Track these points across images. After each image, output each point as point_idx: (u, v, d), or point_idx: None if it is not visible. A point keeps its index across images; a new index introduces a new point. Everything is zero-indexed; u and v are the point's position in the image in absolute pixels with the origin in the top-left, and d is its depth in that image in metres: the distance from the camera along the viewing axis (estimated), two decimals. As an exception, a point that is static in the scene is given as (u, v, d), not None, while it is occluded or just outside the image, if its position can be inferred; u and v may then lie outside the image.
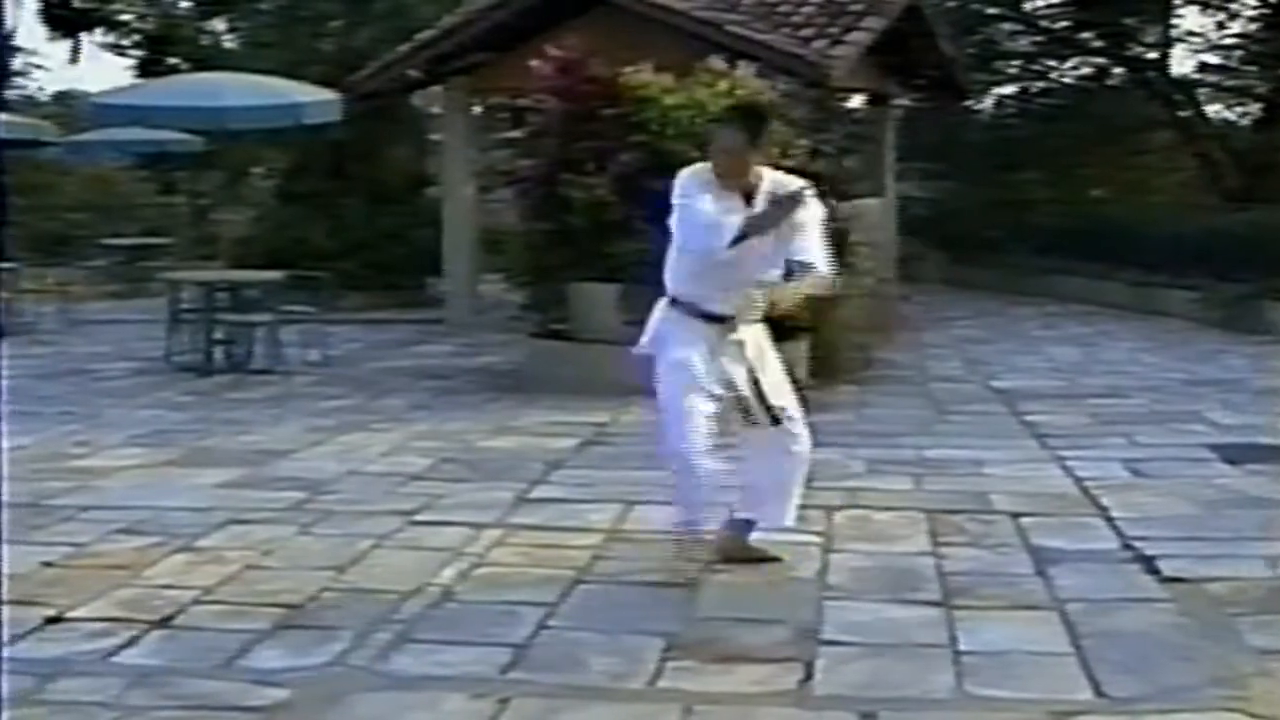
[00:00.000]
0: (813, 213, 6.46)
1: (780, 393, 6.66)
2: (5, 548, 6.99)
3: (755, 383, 6.54)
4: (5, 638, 5.64)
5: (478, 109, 19.83)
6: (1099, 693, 5.12)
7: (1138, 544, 7.08)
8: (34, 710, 5.01)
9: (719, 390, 6.46)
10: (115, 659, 5.56)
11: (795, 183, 6.48)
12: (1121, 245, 21.16)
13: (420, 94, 20.87)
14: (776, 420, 6.62)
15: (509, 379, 12.71)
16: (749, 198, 6.41)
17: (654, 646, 5.58)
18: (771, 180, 6.49)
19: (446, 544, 7.13)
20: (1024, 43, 28.40)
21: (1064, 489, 8.47)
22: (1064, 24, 27.52)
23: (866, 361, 13.56)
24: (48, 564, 6.91)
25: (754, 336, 6.64)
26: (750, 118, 6.64)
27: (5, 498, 7.32)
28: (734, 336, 6.53)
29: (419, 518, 7.73)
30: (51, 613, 6.07)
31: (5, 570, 6.29)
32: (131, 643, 5.72)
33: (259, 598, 6.27)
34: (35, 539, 7.37)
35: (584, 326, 12.53)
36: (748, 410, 6.59)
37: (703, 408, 6.41)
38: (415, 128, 23.34)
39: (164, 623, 5.96)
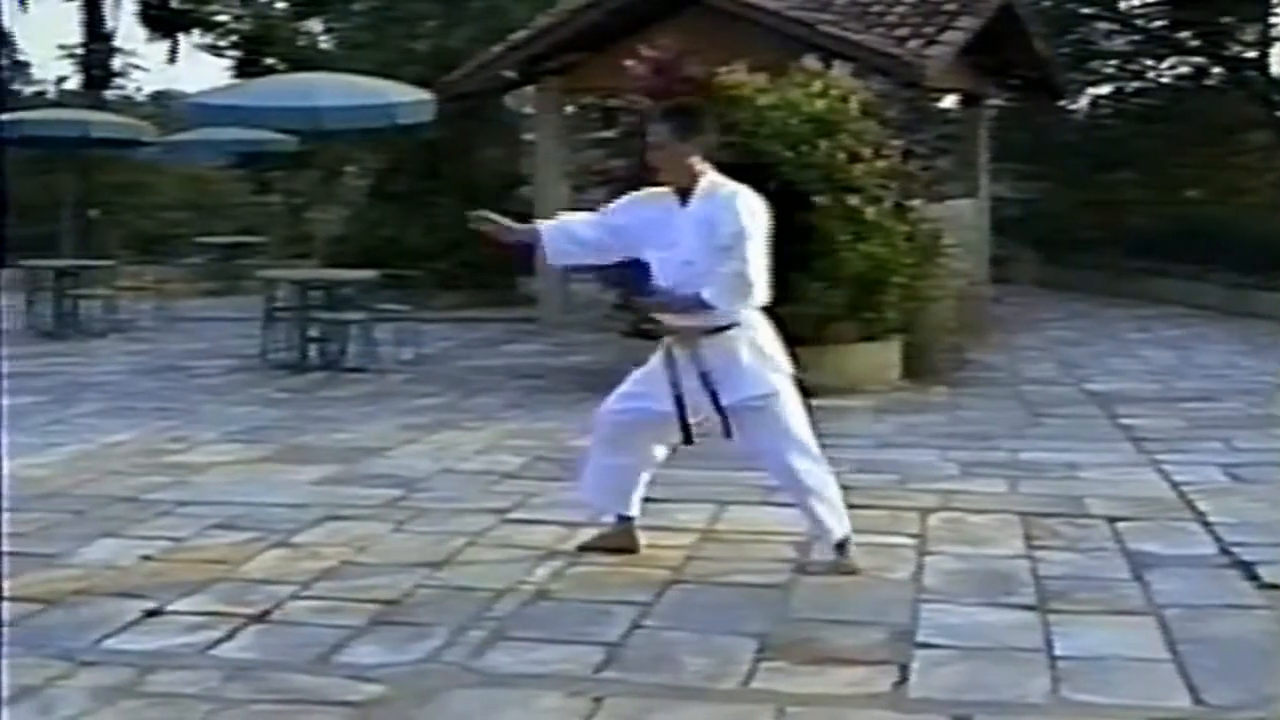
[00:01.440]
0: (755, 223, 6.40)
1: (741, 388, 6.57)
2: (110, 540, 7.14)
3: (713, 396, 6.53)
4: (100, 631, 5.72)
5: (570, 109, 19.88)
6: (1197, 700, 5.05)
7: (1235, 549, 6.99)
8: (134, 702, 5.07)
9: (658, 407, 6.62)
10: (213, 652, 5.61)
11: (734, 186, 6.47)
12: (1217, 247, 20.91)
13: (513, 94, 20.96)
14: (689, 439, 6.68)
15: (600, 378, 12.60)
16: (685, 197, 6.44)
17: (747, 647, 5.57)
18: (711, 182, 6.47)
19: (539, 543, 7.15)
20: (1120, 42, 28.07)
21: (1160, 493, 8.37)
22: (1160, 23, 27.21)
23: (959, 363, 13.48)
24: (147, 558, 7.00)
25: (721, 348, 6.53)
26: (678, 113, 6.66)
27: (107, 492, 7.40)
28: (685, 348, 6.54)
29: (512, 516, 7.76)
30: (151, 606, 6.14)
31: (108, 561, 6.36)
32: (229, 636, 5.78)
33: (354, 594, 6.32)
34: (134, 533, 7.48)
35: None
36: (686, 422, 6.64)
37: (628, 435, 6.77)
38: (508, 128, 23.44)
39: (261, 617, 6.01)
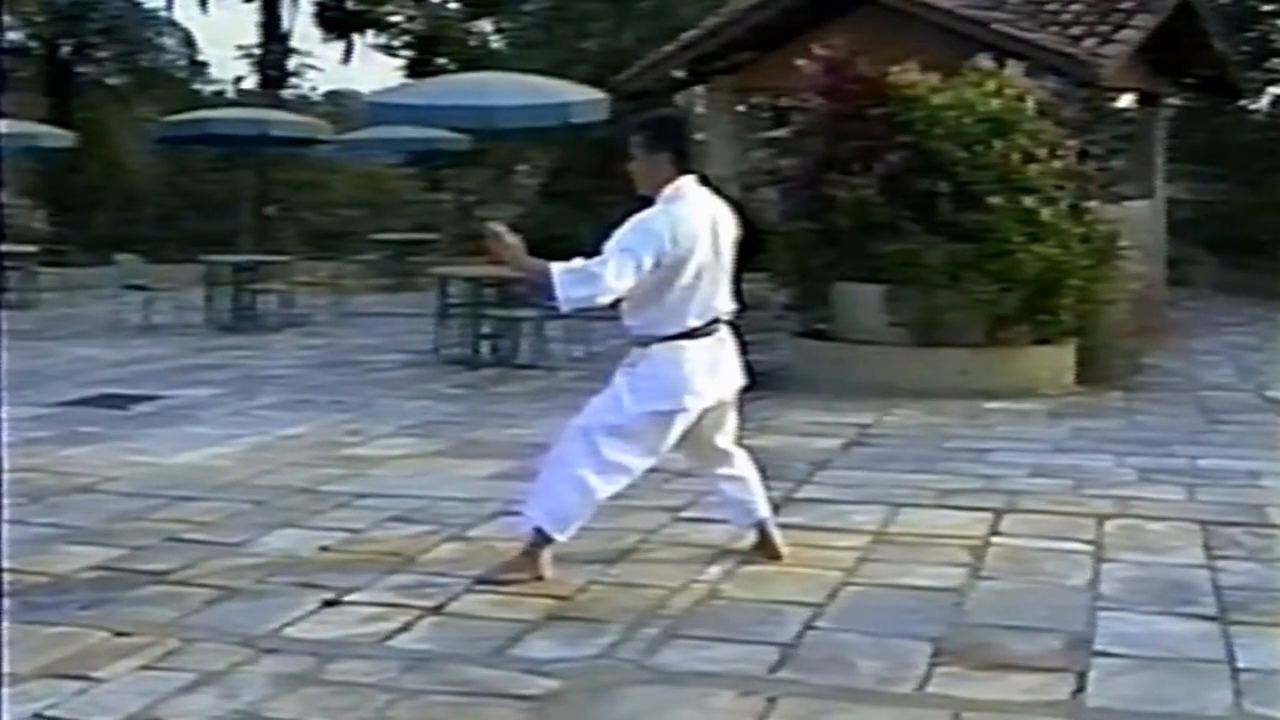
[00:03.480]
0: (640, 225, 6.32)
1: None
2: (289, 530, 7.27)
3: None
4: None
5: (741, 108, 19.85)
6: (1387, 716, 4.94)
7: None
8: (315, 689, 5.18)
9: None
10: (390, 643, 5.71)
11: (680, 198, 6.40)
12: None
13: (683, 93, 20.98)
14: None
15: (772, 378, 12.68)
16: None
17: (922, 651, 5.54)
18: (675, 189, 6.42)
19: (712, 541, 7.16)
20: (1302, 41, 27.46)
21: (1346, 504, 8.18)
22: (1344, 21, 26.55)
23: (1135, 367, 13.25)
24: (325, 548, 7.13)
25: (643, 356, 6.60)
26: (651, 124, 6.65)
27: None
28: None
29: (685, 514, 7.77)
30: (329, 596, 6.26)
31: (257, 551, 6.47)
32: (406, 628, 5.87)
33: (529, 589, 6.36)
34: (312, 524, 7.63)
35: (847, 327, 12.50)
36: None
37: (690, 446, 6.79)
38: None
39: (437, 609, 6.10)
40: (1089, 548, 7.10)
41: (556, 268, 6.18)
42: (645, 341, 6.51)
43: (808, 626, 5.86)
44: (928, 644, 5.62)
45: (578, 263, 6.20)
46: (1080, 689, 5.19)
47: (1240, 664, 5.43)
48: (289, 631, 5.83)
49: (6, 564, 6.48)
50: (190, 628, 5.87)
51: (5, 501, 7.25)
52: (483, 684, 5.24)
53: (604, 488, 6.51)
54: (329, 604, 6.18)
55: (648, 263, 6.21)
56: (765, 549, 6.87)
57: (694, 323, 6.49)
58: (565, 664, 5.42)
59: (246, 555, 7.01)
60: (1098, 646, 5.62)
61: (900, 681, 5.25)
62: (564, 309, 6.32)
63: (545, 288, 6.22)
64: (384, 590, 6.39)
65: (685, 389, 6.46)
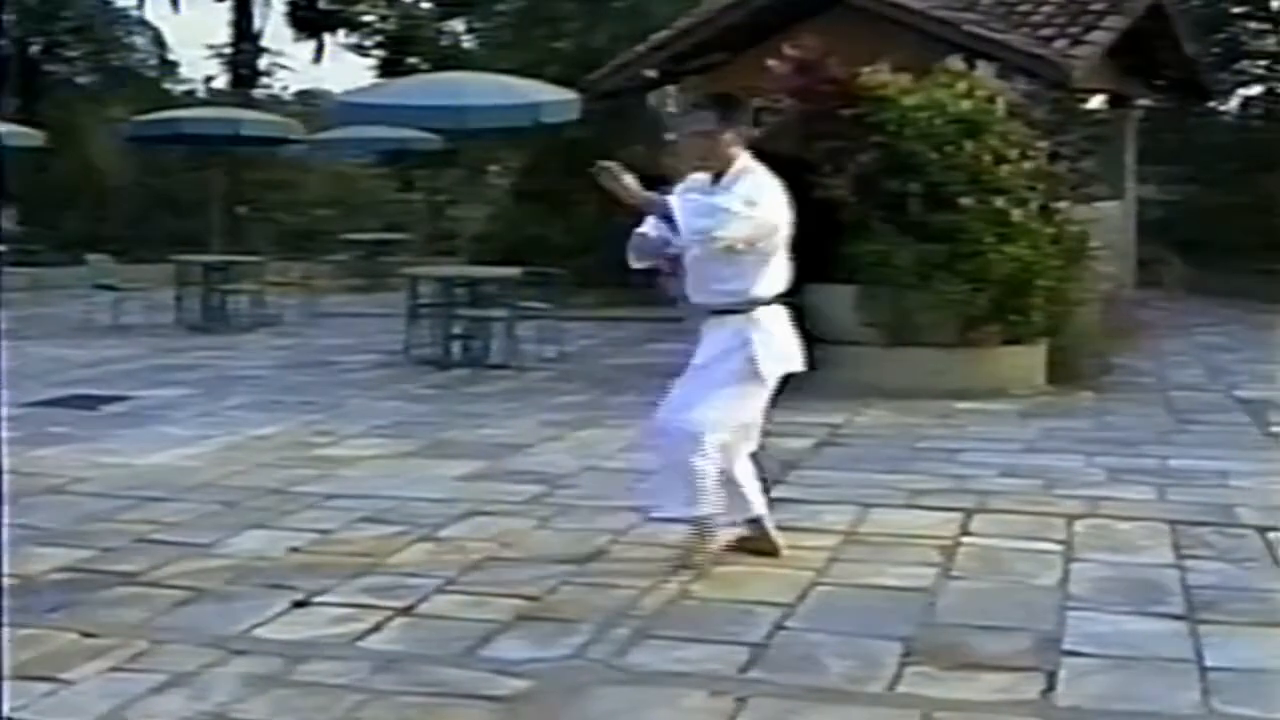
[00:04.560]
0: (758, 197, 6.44)
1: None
2: (260, 531, 7.26)
3: None
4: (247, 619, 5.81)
5: (712, 109, 19.82)
6: (1354, 714, 4.96)
7: (1394, 562, 6.85)
8: (285, 690, 5.17)
9: None
10: (361, 643, 5.70)
11: (761, 171, 6.55)
12: (1372, 250, 20.43)
13: (655, 93, 20.98)
14: None
15: (741, 378, 12.71)
16: (719, 178, 6.54)
17: (892, 651, 5.55)
18: (745, 165, 6.57)
19: (683, 542, 7.14)
20: (1271, 41, 27.53)
21: (1314, 503, 8.21)
22: (1314, 22, 26.69)
23: (1105, 367, 13.29)
24: (295, 549, 7.12)
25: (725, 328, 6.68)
26: (722, 102, 6.76)
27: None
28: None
29: (655, 515, 7.75)
30: (299, 597, 6.24)
31: (255, 551, 6.45)
32: (376, 628, 5.86)
33: (500, 588, 6.38)
34: (283, 525, 7.62)
35: (819, 327, 12.46)
36: None
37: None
38: (650, 127, 23.46)
39: (408, 610, 6.09)
40: (1059, 547, 7.12)
41: (675, 199, 6.35)
42: (743, 308, 6.59)
43: (778, 626, 5.87)
44: (898, 644, 5.63)
45: (695, 195, 6.40)
46: (1050, 688, 5.20)
47: (1208, 663, 5.45)
48: (259, 632, 5.82)
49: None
50: (160, 629, 5.85)
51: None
52: (453, 684, 5.23)
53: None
54: (299, 605, 6.16)
55: (761, 216, 6.40)
56: (762, 545, 6.89)
57: (781, 289, 6.69)
58: (536, 664, 5.41)
59: (216, 556, 6.99)
60: (1067, 646, 5.64)
61: (871, 681, 5.26)
62: (684, 238, 6.34)
63: (667, 217, 6.32)
64: (354, 591, 6.37)
65: (798, 349, 6.75)
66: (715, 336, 6.65)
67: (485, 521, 7.63)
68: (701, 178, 6.64)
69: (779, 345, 6.64)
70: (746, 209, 6.33)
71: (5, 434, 8.47)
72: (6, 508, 7.13)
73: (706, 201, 6.35)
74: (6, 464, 7.78)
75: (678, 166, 6.77)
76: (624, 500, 7.91)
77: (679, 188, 6.64)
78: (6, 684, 5.06)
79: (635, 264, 6.71)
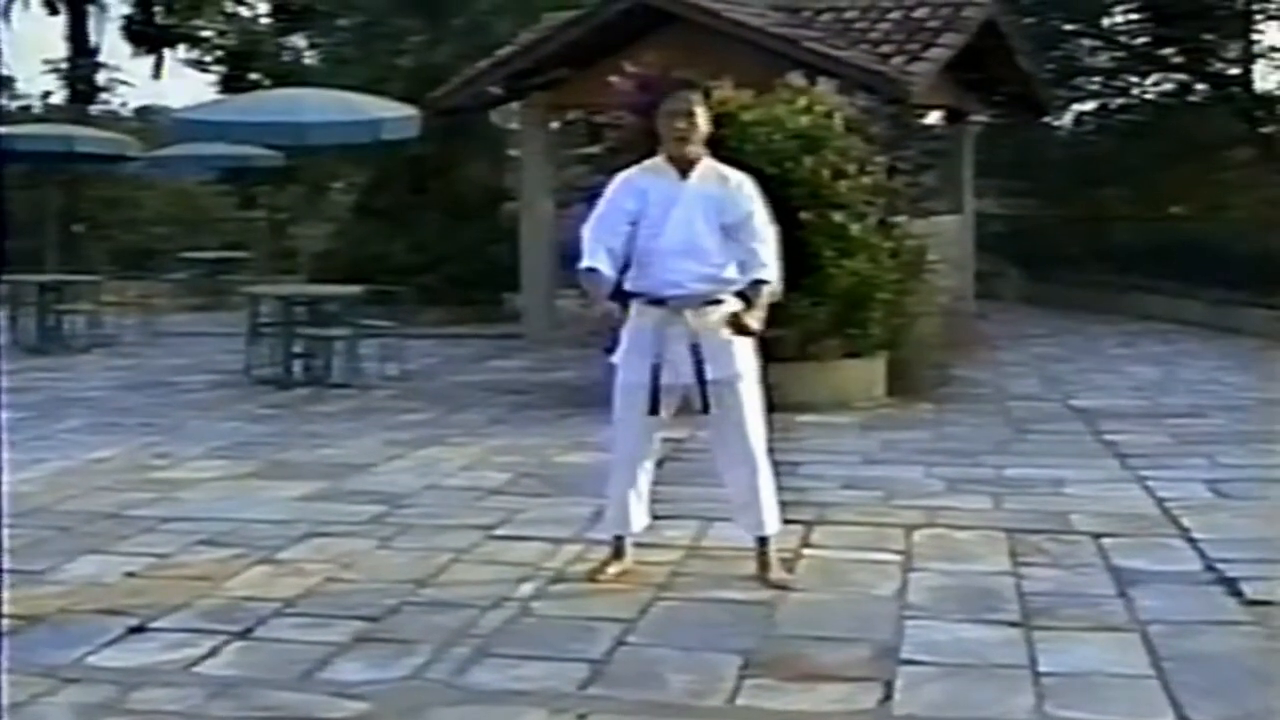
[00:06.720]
0: (758, 206, 6.68)
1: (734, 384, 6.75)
2: (94, 556, 7.12)
3: (699, 367, 6.58)
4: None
5: (556, 125, 19.88)
6: (1181, 716, 5.06)
7: (1220, 565, 7.00)
8: (117, 719, 5.07)
9: (663, 394, 6.63)
10: (197, 669, 5.61)
11: (739, 173, 6.72)
12: (1202, 263, 20.90)
13: (498, 110, 20.96)
14: (706, 408, 6.69)
15: (585, 394, 12.65)
16: (685, 172, 6.62)
17: (732, 664, 5.57)
18: (712, 164, 6.70)
19: (524, 559, 7.15)
20: (1104, 59, 28.15)
21: (1145, 509, 8.37)
22: (1143, 40, 27.28)
23: (944, 379, 13.48)
24: (131, 574, 6.99)
25: (713, 325, 6.65)
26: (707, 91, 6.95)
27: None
28: (678, 324, 6.60)
29: (497, 532, 7.75)
30: (134, 622, 6.14)
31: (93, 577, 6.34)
32: (213, 653, 5.77)
33: (339, 610, 6.31)
34: (119, 549, 7.48)
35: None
36: (688, 399, 6.72)
37: (644, 426, 6.73)
38: (493, 143, 23.44)
39: (245, 634, 6.00)
40: (898, 558, 7.20)
41: (764, 273, 6.65)
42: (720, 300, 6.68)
43: (619, 642, 5.87)
44: (738, 656, 5.65)
45: (771, 266, 6.67)
46: (888, 697, 5.26)
47: (1042, 668, 5.54)
48: (92, 660, 5.71)
49: None
50: (-12, 659, 5.72)
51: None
52: (291, 708, 5.17)
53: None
54: (134, 630, 6.05)
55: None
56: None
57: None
58: (374, 686, 5.37)
59: (50, 583, 6.84)
60: (905, 655, 5.70)
61: (710, 694, 5.28)
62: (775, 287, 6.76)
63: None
64: (191, 616, 6.28)
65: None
66: (710, 344, 6.64)
67: (325, 543, 7.55)
68: (657, 166, 6.67)
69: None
70: (765, 230, 6.69)
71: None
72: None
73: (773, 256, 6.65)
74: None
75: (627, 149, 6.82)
76: (465, 518, 7.88)
77: (628, 175, 6.68)
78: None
79: (591, 301, 6.64)
